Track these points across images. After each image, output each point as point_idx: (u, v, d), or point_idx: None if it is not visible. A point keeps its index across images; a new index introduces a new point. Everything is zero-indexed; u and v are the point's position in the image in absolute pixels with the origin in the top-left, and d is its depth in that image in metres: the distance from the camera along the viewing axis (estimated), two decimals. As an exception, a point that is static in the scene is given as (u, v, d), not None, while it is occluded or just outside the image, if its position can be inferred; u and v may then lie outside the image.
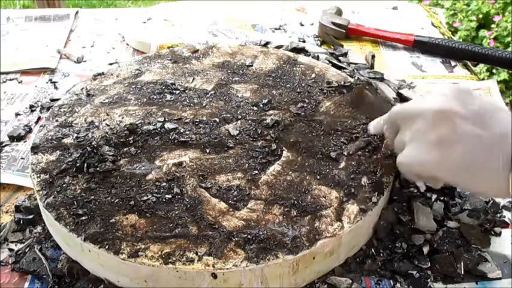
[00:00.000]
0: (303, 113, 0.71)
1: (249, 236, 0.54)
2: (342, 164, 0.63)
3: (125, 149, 0.65)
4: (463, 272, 0.57)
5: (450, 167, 0.51)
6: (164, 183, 0.60)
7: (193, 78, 0.80)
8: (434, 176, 0.54)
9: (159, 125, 0.69)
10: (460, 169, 0.51)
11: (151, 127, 0.68)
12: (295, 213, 0.57)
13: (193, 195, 0.59)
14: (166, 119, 0.70)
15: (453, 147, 0.50)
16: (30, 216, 0.64)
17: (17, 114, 0.84)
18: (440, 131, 0.51)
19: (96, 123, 0.70)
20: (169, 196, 0.59)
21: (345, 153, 0.64)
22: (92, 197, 0.59)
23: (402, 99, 0.81)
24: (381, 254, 0.59)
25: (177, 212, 0.57)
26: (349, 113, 0.72)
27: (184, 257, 0.52)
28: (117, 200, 0.58)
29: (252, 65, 0.83)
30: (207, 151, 0.65)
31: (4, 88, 0.91)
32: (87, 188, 0.60)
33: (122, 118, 0.71)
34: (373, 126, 0.64)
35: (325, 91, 0.76)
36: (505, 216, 0.64)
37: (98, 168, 0.62)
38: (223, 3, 1.17)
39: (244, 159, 0.64)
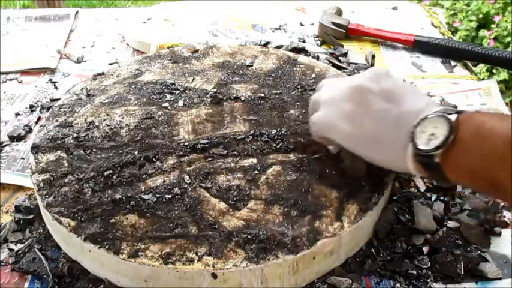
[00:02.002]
0: (302, 115, 0.71)
1: (249, 236, 0.54)
2: (342, 164, 0.63)
3: (127, 156, 0.65)
4: (463, 272, 0.57)
5: (358, 138, 0.55)
6: (164, 183, 0.60)
7: (193, 78, 0.80)
8: (340, 143, 0.58)
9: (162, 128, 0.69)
10: (367, 141, 0.55)
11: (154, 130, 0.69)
12: (295, 213, 0.57)
13: (193, 195, 0.59)
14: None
15: (362, 119, 0.54)
16: (30, 216, 0.64)
17: (17, 114, 0.84)
18: (353, 103, 0.55)
19: (96, 123, 0.70)
20: (169, 196, 0.59)
21: (346, 152, 0.64)
22: (92, 197, 0.59)
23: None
24: (381, 254, 0.59)
25: (177, 212, 0.57)
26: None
27: (184, 257, 0.52)
28: (117, 200, 0.58)
29: (252, 65, 0.83)
30: (208, 151, 0.65)
31: (4, 88, 0.91)
32: (87, 188, 0.60)
33: (122, 118, 0.71)
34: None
35: None
36: (505, 216, 0.64)
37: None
38: (223, 3, 1.17)
39: (245, 159, 0.64)
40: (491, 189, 0.49)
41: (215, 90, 0.76)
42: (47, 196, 0.59)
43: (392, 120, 0.53)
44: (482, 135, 0.47)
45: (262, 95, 0.75)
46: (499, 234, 0.62)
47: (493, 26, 2.29)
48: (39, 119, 0.83)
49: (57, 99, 0.84)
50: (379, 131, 0.54)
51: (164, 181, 0.61)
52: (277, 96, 0.75)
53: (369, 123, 0.54)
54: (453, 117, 0.48)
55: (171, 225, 0.55)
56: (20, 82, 0.93)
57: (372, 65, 0.94)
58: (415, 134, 0.50)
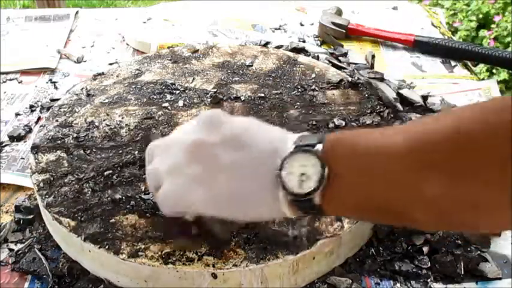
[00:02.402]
0: (302, 115, 0.71)
1: (249, 236, 0.54)
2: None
3: (127, 156, 0.65)
4: (463, 272, 0.57)
5: (217, 201, 0.47)
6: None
7: (193, 78, 0.80)
8: (197, 212, 0.49)
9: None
10: (229, 200, 0.46)
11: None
12: (295, 213, 0.57)
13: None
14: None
15: (215, 179, 0.46)
16: (30, 216, 0.64)
17: (17, 114, 0.84)
18: (197, 165, 0.47)
19: (96, 123, 0.70)
20: (169, 196, 0.59)
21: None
22: (92, 197, 0.59)
23: (402, 99, 0.81)
24: (381, 254, 0.59)
25: (177, 212, 0.57)
26: (350, 109, 0.72)
27: (184, 257, 0.52)
28: (117, 200, 0.58)
29: (252, 65, 0.83)
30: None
31: (4, 88, 0.91)
32: (87, 188, 0.60)
33: (122, 118, 0.71)
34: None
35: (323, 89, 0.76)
36: (505, 216, 0.64)
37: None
38: (223, 3, 1.17)
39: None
40: (386, 217, 0.44)
41: (215, 90, 0.76)
42: (47, 196, 0.59)
43: (249, 171, 0.46)
44: (361, 159, 0.42)
45: (262, 95, 0.75)
46: (499, 234, 0.62)
47: (493, 26, 2.29)
48: (39, 119, 0.83)
49: (57, 99, 0.84)
50: (239, 187, 0.46)
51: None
52: (277, 96, 0.75)
53: (223, 180, 0.46)
54: (319, 147, 0.43)
55: (171, 225, 0.55)
56: (20, 82, 0.93)
57: (372, 65, 0.94)
58: (283, 178, 0.43)
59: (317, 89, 0.77)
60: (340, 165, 0.42)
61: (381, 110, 0.73)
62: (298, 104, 0.74)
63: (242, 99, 0.74)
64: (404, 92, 0.84)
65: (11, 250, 0.60)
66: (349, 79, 0.79)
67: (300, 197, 0.43)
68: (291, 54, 0.87)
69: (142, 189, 0.60)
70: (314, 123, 0.70)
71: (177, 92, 0.76)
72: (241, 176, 0.46)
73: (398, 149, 0.40)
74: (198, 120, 0.49)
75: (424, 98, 0.82)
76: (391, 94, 0.83)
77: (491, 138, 0.37)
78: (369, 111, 0.73)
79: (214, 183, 0.46)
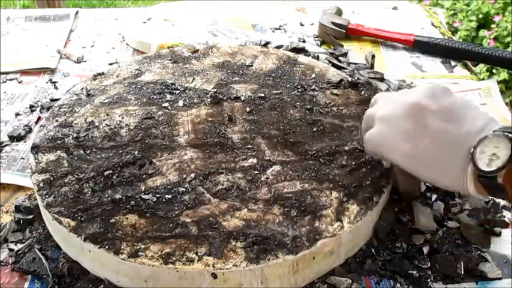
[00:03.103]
0: (302, 115, 0.71)
1: (249, 236, 0.54)
2: (342, 164, 0.63)
3: (127, 156, 0.65)
4: (463, 272, 0.57)
5: (416, 158, 0.53)
6: (164, 183, 0.60)
7: (193, 78, 0.80)
8: (397, 162, 0.56)
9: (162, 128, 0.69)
10: (424, 161, 0.53)
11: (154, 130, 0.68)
12: (295, 213, 0.57)
13: (193, 195, 0.59)
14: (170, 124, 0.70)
15: (421, 140, 0.53)
16: (30, 216, 0.64)
17: (17, 114, 0.84)
18: (410, 123, 0.54)
19: (96, 123, 0.70)
20: (169, 196, 0.59)
21: (346, 152, 0.64)
22: (92, 196, 0.59)
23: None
24: (381, 254, 0.59)
25: (177, 212, 0.57)
26: (351, 112, 0.72)
27: (184, 257, 0.52)
28: (117, 200, 0.58)
29: (252, 65, 0.83)
30: (208, 151, 0.65)
31: (4, 88, 0.91)
32: (87, 188, 0.60)
33: (122, 118, 0.71)
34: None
35: (323, 90, 0.76)
36: (505, 216, 0.64)
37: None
38: (223, 3, 1.17)
39: (245, 159, 0.64)
40: None
41: (215, 90, 0.76)
42: (47, 196, 0.59)
43: (451, 141, 0.52)
44: None
45: (262, 95, 0.75)
46: (499, 234, 0.62)
47: (493, 26, 2.29)
48: (39, 119, 0.83)
49: (57, 99, 0.84)
50: (438, 152, 0.52)
51: (164, 181, 0.61)
52: (277, 96, 0.75)
53: (427, 143, 0.53)
54: None
55: (171, 225, 0.55)
56: (20, 82, 0.93)
57: (372, 65, 0.94)
58: (475, 154, 0.49)
59: (317, 89, 0.77)
60: None
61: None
62: (298, 104, 0.74)
63: (242, 99, 0.74)
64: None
65: (11, 250, 0.60)
66: (349, 79, 0.79)
67: (486, 174, 0.48)
68: (291, 54, 0.87)
69: (142, 189, 0.60)
70: (313, 122, 0.70)
71: (177, 92, 0.76)
72: (443, 144, 0.52)
73: None
74: (427, 88, 0.56)
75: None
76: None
77: None
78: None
79: (419, 143, 0.53)
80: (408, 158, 0.54)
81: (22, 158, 0.74)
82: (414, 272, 0.57)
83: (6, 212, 0.66)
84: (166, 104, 0.74)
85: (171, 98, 0.75)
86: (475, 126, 0.51)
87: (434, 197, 0.65)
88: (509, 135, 0.48)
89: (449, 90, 0.56)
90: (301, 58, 0.86)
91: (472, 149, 0.49)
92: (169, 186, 0.60)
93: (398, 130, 0.54)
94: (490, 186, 0.49)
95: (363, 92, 0.77)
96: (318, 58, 0.92)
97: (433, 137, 0.52)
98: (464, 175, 0.50)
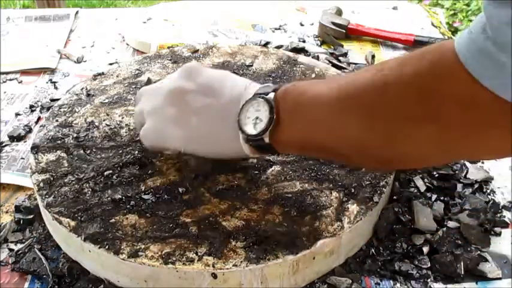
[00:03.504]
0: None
1: (249, 236, 0.54)
2: (342, 164, 0.63)
3: (127, 156, 0.65)
4: (463, 272, 0.57)
5: (190, 139, 0.56)
6: (164, 183, 0.60)
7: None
8: (176, 148, 0.57)
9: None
10: (199, 140, 0.56)
11: None
12: (295, 213, 0.57)
13: (193, 195, 0.59)
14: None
15: (189, 121, 0.55)
16: (30, 216, 0.64)
17: (17, 114, 0.84)
18: (175, 106, 0.56)
19: (96, 123, 0.70)
20: (169, 196, 0.59)
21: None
22: (92, 196, 0.59)
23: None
24: (381, 254, 0.59)
25: (177, 212, 0.57)
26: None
27: (184, 257, 0.52)
28: (117, 200, 0.58)
29: (252, 65, 0.83)
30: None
31: (4, 88, 0.91)
32: (87, 188, 0.60)
33: (122, 118, 0.71)
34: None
35: None
36: (505, 216, 0.64)
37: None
38: (223, 3, 1.17)
39: (245, 159, 0.64)
40: (323, 154, 0.53)
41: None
42: (47, 196, 0.59)
43: (216, 114, 0.54)
44: (303, 106, 0.49)
45: None
46: (499, 234, 0.62)
47: (493, 26, 2.29)
48: (39, 119, 0.83)
49: (57, 99, 0.84)
50: (208, 127, 0.55)
51: (164, 181, 0.61)
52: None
53: (195, 122, 0.55)
54: (271, 95, 0.50)
55: (171, 225, 0.55)
56: (20, 82, 0.93)
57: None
58: (241, 121, 0.52)
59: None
60: (285, 112, 0.50)
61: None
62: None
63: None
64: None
65: (11, 250, 0.60)
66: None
67: (253, 137, 0.51)
68: (291, 54, 0.87)
69: (142, 189, 0.60)
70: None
71: (177, 92, 0.76)
72: (210, 118, 0.54)
73: (330, 96, 0.48)
74: (180, 70, 0.58)
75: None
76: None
77: (395, 89, 0.44)
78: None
79: (187, 124, 0.55)
80: (184, 140, 0.56)
81: (22, 158, 0.74)
82: (414, 272, 0.57)
83: (6, 212, 0.66)
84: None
85: (171, 98, 0.75)
86: (234, 93, 0.54)
87: (434, 197, 0.65)
88: (266, 96, 0.50)
89: (200, 66, 0.58)
90: (301, 58, 0.86)
91: (237, 117, 0.52)
92: (169, 186, 0.60)
93: (166, 118, 0.56)
94: (259, 147, 0.52)
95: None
96: (318, 58, 0.92)
97: (198, 114, 0.55)
98: (238, 141, 0.53)
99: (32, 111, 0.85)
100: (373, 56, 0.96)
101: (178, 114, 0.55)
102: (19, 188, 0.69)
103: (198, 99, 0.55)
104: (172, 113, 0.56)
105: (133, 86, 0.78)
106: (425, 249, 0.59)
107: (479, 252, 0.59)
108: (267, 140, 0.51)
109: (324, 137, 0.49)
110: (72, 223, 0.56)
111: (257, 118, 0.51)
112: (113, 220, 0.56)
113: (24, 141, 0.78)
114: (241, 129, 0.52)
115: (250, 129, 0.51)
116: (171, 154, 0.62)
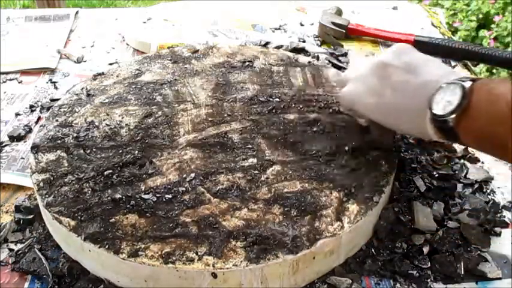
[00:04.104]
0: (302, 115, 0.71)
1: (249, 236, 0.54)
2: (342, 164, 0.63)
3: (127, 156, 0.65)
4: (463, 272, 0.57)
5: (381, 109, 0.60)
6: (164, 183, 0.60)
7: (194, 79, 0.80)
8: (367, 115, 0.63)
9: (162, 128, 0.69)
10: (390, 111, 0.59)
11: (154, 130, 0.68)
12: (295, 213, 0.57)
13: (193, 195, 0.59)
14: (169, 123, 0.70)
15: (385, 91, 0.59)
16: (30, 216, 0.64)
17: (17, 114, 0.84)
18: (376, 79, 0.60)
19: (96, 123, 0.70)
20: (169, 196, 0.59)
21: (346, 152, 0.64)
22: (92, 196, 0.59)
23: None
24: (381, 254, 0.59)
25: (177, 212, 0.57)
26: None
27: (184, 257, 0.52)
28: (117, 199, 0.58)
29: (252, 65, 0.83)
30: (208, 151, 0.65)
31: (4, 88, 0.91)
32: (87, 188, 0.60)
33: (122, 118, 0.71)
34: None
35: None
36: (505, 216, 0.64)
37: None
38: (223, 3, 1.17)
39: (245, 158, 0.64)
40: (498, 151, 0.53)
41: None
42: (47, 196, 0.59)
43: (412, 90, 0.56)
44: (491, 101, 0.50)
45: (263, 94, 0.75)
46: (499, 234, 0.62)
47: (493, 26, 2.29)
48: (39, 119, 0.83)
49: (57, 99, 0.84)
50: (401, 101, 0.57)
51: (164, 181, 0.61)
52: (277, 96, 0.75)
53: (390, 94, 0.58)
54: (468, 84, 0.51)
55: (171, 225, 0.55)
56: (20, 82, 0.93)
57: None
58: (432, 101, 0.53)
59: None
60: (477, 102, 0.51)
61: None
62: (298, 103, 0.73)
63: (242, 99, 0.74)
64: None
65: (11, 250, 0.60)
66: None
67: (439, 118, 0.53)
68: (291, 54, 0.87)
69: (142, 189, 0.60)
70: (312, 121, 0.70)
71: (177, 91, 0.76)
72: (405, 93, 0.57)
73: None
74: (392, 48, 0.62)
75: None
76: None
77: None
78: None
79: (383, 94, 0.59)
80: (375, 109, 0.60)
81: (22, 158, 0.74)
82: (414, 272, 0.57)
83: (6, 212, 0.66)
84: (166, 104, 0.74)
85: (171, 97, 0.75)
86: (434, 76, 0.56)
87: (434, 197, 0.65)
88: (463, 83, 0.51)
89: (412, 48, 0.61)
90: (301, 58, 0.86)
91: (431, 97, 0.54)
92: (169, 186, 0.60)
93: (366, 87, 0.61)
94: (443, 130, 0.53)
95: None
96: (318, 58, 0.92)
97: (395, 87, 0.58)
98: (424, 120, 0.54)
99: (32, 111, 0.85)
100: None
101: (377, 84, 0.59)
102: (19, 188, 0.69)
103: (399, 74, 0.58)
104: (372, 83, 0.60)
105: (133, 86, 0.78)
106: (425, 249, 0.59)
107: (479, 252, 0.59)
108: (451, 123, 0.52)
109: (504, 136, 0.49)
110: (72, 223, 0.56)
111: (449, 102, 0.52)
112: (113, 220, 0.56)
113: (24, 141, 0.78)
114: (431, 107, 0.53)
115: (438, 110, 0.53)
116: (361, 121, 0.67)
